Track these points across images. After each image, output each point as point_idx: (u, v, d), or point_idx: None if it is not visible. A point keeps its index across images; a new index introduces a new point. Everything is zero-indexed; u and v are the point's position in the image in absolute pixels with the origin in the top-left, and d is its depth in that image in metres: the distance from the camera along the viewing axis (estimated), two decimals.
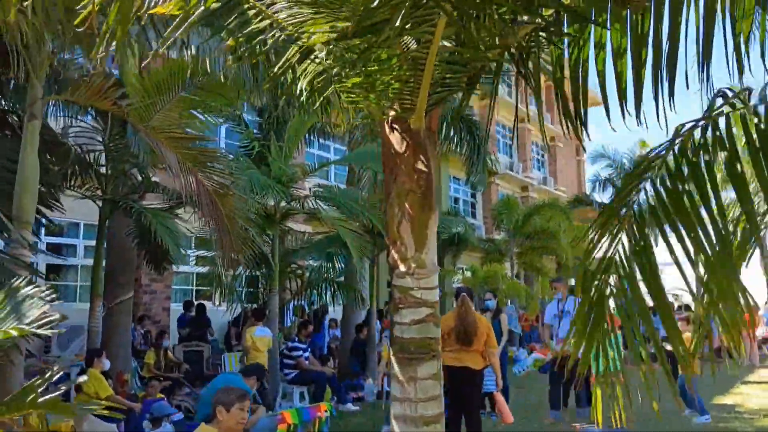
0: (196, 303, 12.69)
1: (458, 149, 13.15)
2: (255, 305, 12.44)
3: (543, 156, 31.14)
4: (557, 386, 8.50)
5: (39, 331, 2.46)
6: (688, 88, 2.64)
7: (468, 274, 22.37)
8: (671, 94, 2.66)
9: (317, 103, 3.10)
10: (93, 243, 11.89)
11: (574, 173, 33.56)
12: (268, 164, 9.73)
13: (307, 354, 9.60)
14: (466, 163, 12.98)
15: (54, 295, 2.80)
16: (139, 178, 7.89)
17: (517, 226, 19.93)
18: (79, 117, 7.50)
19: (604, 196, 27.08)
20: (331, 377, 9.41)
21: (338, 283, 10.87)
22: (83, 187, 7.54)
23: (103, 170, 7.76)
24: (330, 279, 10.73)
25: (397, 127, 2.84)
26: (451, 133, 12.79)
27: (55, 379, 2.54)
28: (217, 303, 13.42)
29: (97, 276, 7.37)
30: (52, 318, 2.60)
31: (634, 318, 2.39)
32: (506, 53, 3.07)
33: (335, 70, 2.75)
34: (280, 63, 2.92)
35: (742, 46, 2.55)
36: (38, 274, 4.51)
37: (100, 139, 7.62)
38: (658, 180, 2.40)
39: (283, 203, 9.74)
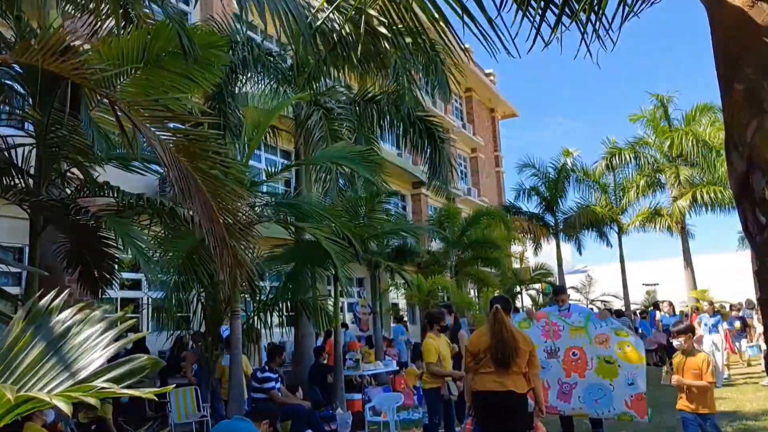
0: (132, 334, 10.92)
1: (418, 151, 12.32)
2: (190, 331, 10.92)
3: (466, 167, 31.07)
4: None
5: (128, 392, 1.23)
6: None
7: (399, 289, 21.51)
8: None
9: None
10: None
11: (494, 184, 33.77)
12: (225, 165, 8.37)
13: (279, 385, 8.27)
14: (429, 169, 12.15)
15: (131, 321, 1.57)
16: (80, 177, 6.33)
17: (457, 236, 19.34)
18: None
19: (530, 205, 27.25)
20: (309, 410, 8.12)
21: (304, 302, 9.58)
22: (8, 192, 5.90)
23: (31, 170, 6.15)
24: (298, 298, 9.42)
25: None
26: (411, 134, 11.95)
27: None
28: (149, 331, 11.69)
29: None
30: (139, 362, 1.36)
31: None
32: None
33: None
34: None
35: None
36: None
37: (29, 130, 6.03)
38: None
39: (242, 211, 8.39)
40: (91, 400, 1.14)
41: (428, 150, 12.01)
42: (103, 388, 1.20)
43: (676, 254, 26.66)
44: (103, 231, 6.15)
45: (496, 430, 5.20)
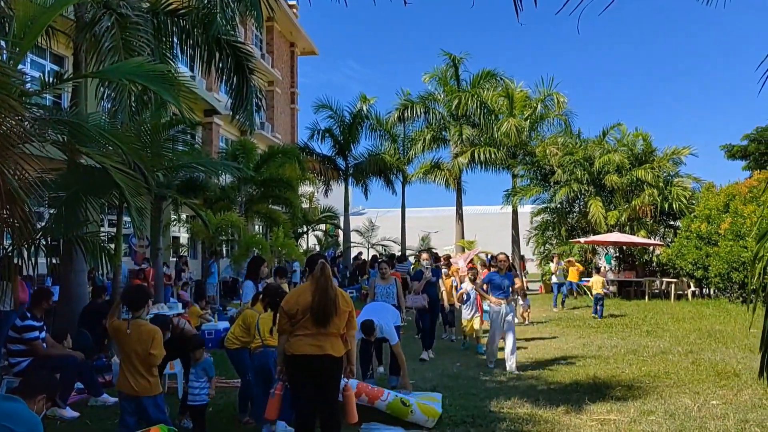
0: None
1: (223, 79, 11.31)
2: None
3: (261, 100, 29.86)
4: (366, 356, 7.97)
5: None
6: None
7: (182, 224, 20.24)
8: None
9: None
10: None
11: (289, 121, 33.11)
12: None
13: (44, 334, 7.08)
14: (235, 100, 11.22)
15: None
16: None
17: (251, 171, 18.57)
18: None
19: (323, 147, 27.23)
20: (82, 363, 7.11)
21: (79, 236, 8.29)
22: None
23: None
24: (72, 232, 8.10)
25: None
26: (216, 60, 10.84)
27: None
28: None
29: None
30: None
31: None
32: None
33: None
34: None
35: None
36: None
37: None
38: None
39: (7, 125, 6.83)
40: None
41: (234, 79, 11.06)
42: None
43: (452, 205, 28.82)
44: None
45: (310, 394, 4.95)
